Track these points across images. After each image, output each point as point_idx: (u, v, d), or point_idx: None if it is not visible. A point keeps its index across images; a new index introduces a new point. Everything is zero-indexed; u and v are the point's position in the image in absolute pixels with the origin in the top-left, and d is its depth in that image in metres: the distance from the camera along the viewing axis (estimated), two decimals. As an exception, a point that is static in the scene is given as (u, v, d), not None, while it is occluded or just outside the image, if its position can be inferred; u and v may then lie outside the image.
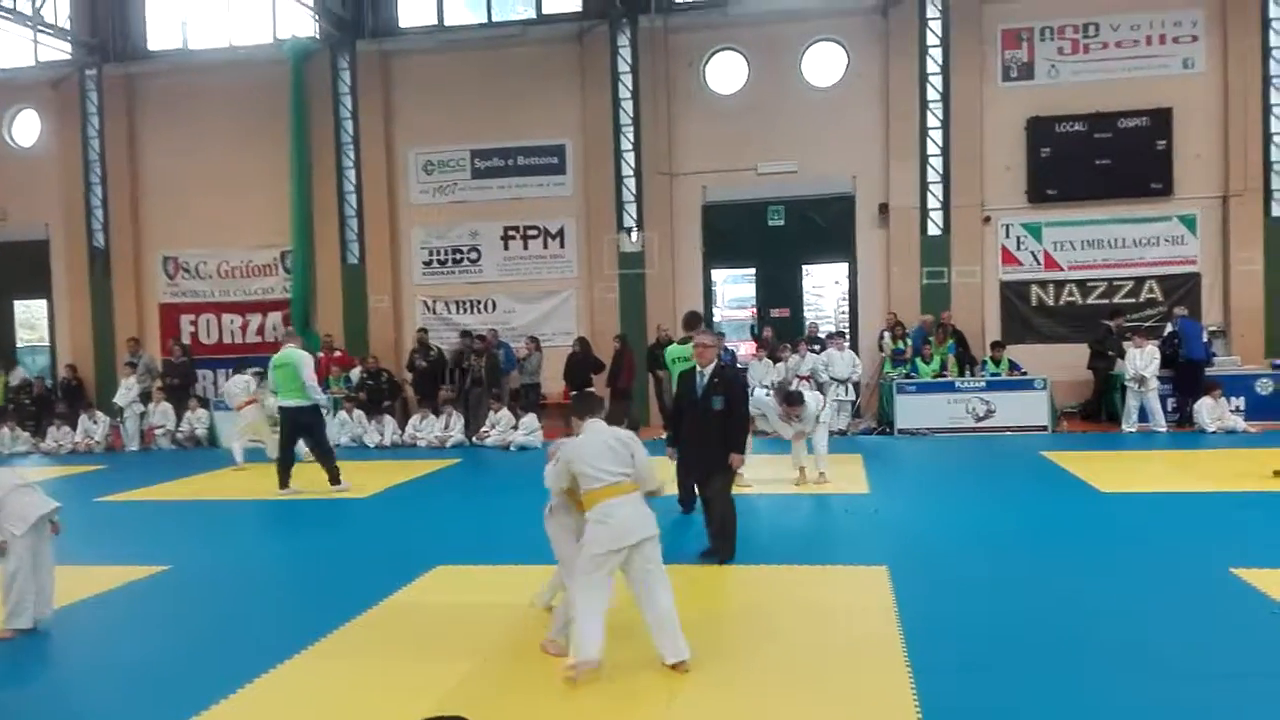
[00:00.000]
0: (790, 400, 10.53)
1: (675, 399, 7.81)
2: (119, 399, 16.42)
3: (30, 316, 20.24)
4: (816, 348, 15.48)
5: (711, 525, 7.46)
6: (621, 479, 5.14)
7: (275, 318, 18.45)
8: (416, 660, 5.40)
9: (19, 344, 20.09)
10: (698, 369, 7.53)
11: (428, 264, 17.97)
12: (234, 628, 6.27)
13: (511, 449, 14.45)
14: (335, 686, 5.11)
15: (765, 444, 11.64)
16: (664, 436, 13.13)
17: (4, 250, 19.45)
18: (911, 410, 14.67)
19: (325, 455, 11.34)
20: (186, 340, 18.47)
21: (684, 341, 9.35)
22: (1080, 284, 16.00)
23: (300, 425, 11.27)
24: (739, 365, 14.77)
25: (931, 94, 16.13)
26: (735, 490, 9.35)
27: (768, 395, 10.62)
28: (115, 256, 18.85)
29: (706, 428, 7.36)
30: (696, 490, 7.99)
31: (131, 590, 7.23)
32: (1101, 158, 15.64)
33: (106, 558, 8.20)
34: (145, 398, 16.58)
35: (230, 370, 15.88)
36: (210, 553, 8.57)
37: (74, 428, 16.53)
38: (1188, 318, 14.75)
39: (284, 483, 11.19)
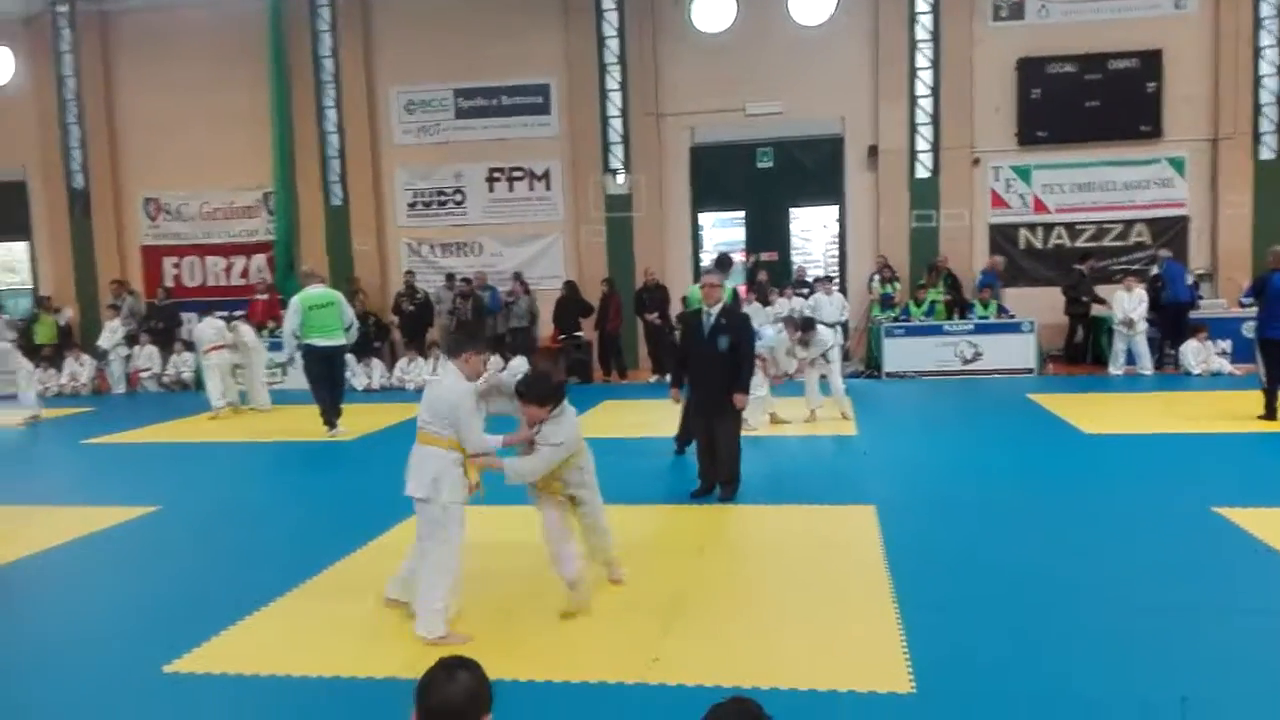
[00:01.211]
0: (804, 327, 10.77)
1: (681, 339, 7.81)
2: (103, 341, 16.28)
3: (11, 259, 19.99)
4: (805, 291, 15.45)
5: (717, 466, 7.51)
6: (425, 427, 4.87)
7: (260, 260, 18.27)
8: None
9: (0, 287, 19.89)
10: (704, 309, 7.50)
11: (412, 206, 17.78)
12: (225, 566, 6.31)
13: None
14: (325, 625, 5.15)
15: (782, 388, 11.59)
16: (653, 379, 13.19)
17: (-19, 191, 19.18)
18: (899, 353, 14.71)
19: (339, 398, 11.25)
20: (170, 283, 18.30)
21: None
22: (1069, 227, 15.97)
23: (333, 365, 11.14)
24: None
25: (921, 34, 15.93)
26: (742, 432, 9.43)
27: (779, 333, 10.67)
28: (95, 198, 18.57)
29: (712, 369, 7.35)
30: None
31: (122, 530, 7.24)
32: (1091, 99, 15.53)
33: (95, 498, 8.21)
34: (130, 340, 16.47)
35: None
36: (200, 494, 8.58)
37: (59, 370, 16.43)
38: (1172, 260, 14.77)
39: (333, 422, 11.07)
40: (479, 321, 15.61)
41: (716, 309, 7.42)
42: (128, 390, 16.18)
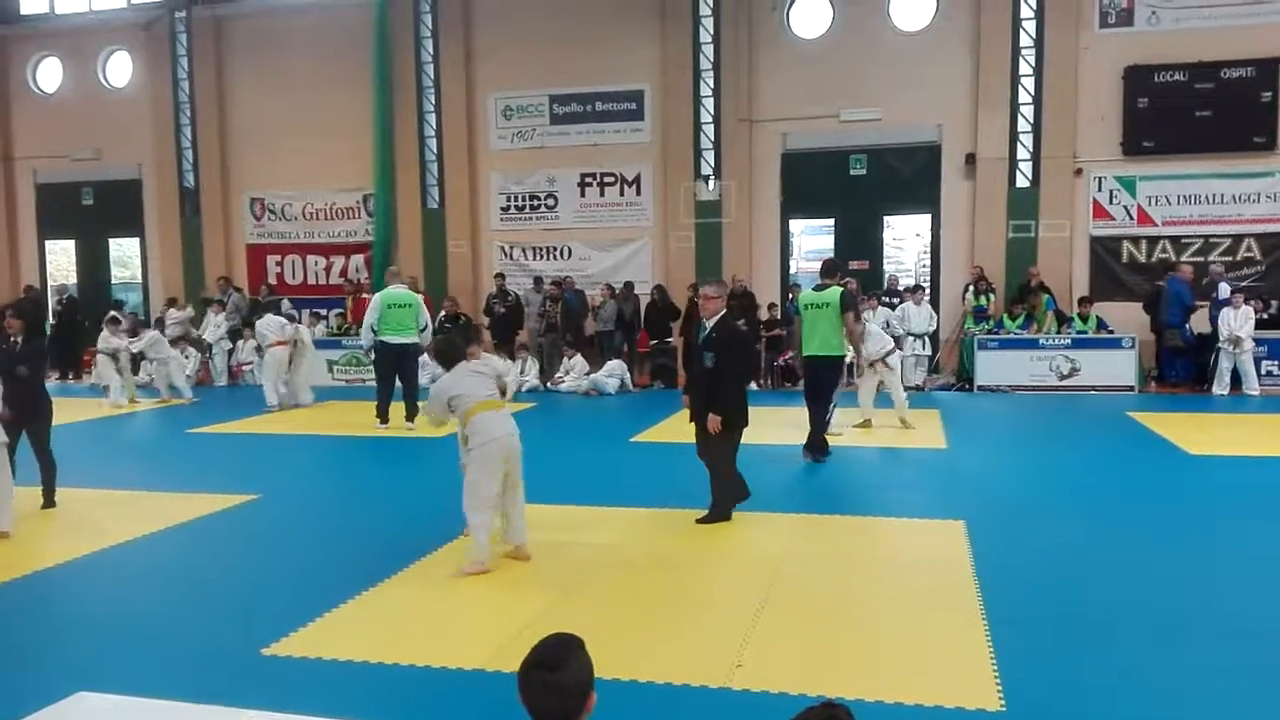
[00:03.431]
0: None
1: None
2: (207, 335, 16.95)
3: (123, 255, 20.90)
4: (895, 300, 15.23)
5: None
6: None
7: (358, 260, 18.76)
8: (496, 591, 5.54)
9: (113, 281, 20.79)
10: (703, 320, 7.27)
11: (505, 210, 18.05)
12: (324, 554, 6.50)
13: (593, 394, 14.61)
14: (419, 614, 5.28)
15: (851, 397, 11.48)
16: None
17: (99, 189, 20.10)
18: (992, 366, 14.42)
19: (415, 392, 11.72)
20: (272, 281, 18.92)
21: (819, 289, 9.28)
22: (1174, 240, 15.42)
23: (404, 361, 11.80)
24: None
25: (1024, 40, 15.56)
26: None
27: None
28: (205, 197, 19.30)
29: (698, 383, 7.16)
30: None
31: (226, 516, 7.53)
32: (1202, 109, 14.97)
33: (199, 486, 8.53)
34: (233, 335, 17.07)
35: (309, 311, 16.16)
36: (298, 483, 8.88)
37: (167, 362, 17.08)
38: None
39: (385, 417, 11.63)
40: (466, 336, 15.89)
41: (711, 322, 7.12)
42: (229, 382, 16.79)
